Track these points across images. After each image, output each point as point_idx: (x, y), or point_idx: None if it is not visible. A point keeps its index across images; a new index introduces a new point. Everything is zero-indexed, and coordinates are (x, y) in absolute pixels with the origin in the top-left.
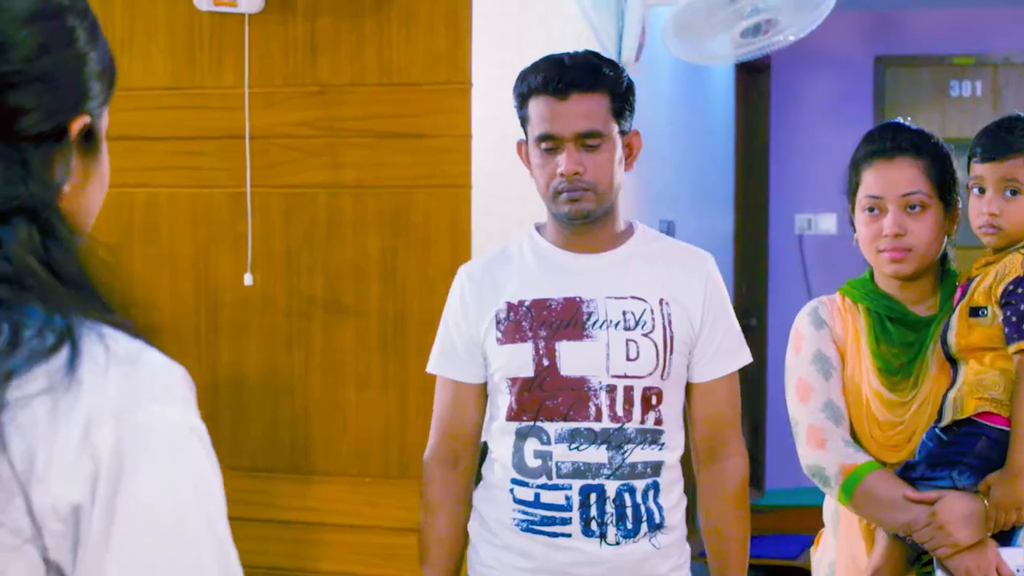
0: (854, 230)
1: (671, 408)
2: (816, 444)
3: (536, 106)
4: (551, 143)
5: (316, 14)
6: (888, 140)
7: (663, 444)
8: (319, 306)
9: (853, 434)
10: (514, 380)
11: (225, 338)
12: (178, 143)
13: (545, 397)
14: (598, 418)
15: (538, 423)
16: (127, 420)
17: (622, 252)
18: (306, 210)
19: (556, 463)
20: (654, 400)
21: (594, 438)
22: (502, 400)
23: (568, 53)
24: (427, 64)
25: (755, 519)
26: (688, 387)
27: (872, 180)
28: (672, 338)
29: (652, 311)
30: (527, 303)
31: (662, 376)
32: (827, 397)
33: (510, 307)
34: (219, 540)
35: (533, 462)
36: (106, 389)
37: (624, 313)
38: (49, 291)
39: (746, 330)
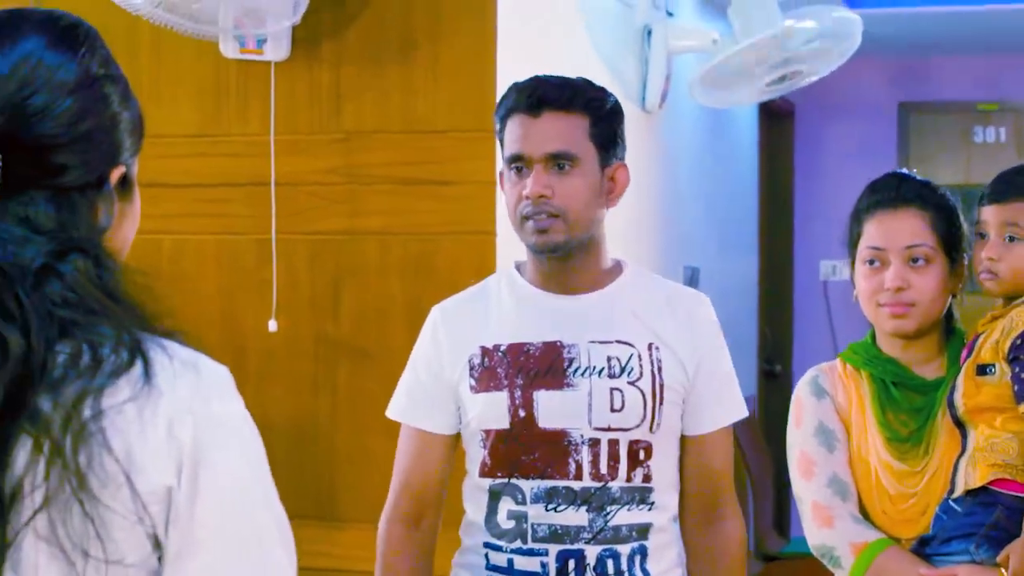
0: (854, 285)
1: (663, 464)
2: (823, 522)
3: (511, 126)
4: (520, 163)
5: (341, 62)
6: (892, 190)
7: (652, 504)
8: (344, 352)
9: (863, 510)
10: (488, 432)
11: (251, 384)
12: (204, 190)
13: (520, 452)
14: (578, 476)
15: (512, 480)
16: (200, 416)
17: (608, 293)
18: (331, 256)
19: (532, 525)
20: (642, 455)
21: (573, 498)
22: (475, 454)
23: (553, 75)
24: (452, 111)
25: (780, 567)
26: (681, 441)
27: (874, 231)
28: (662, 386)
29: (640, 357)
30: (503, 348)
31: (651, 428)
32: (832, 471)
33: (484, 352)
34: (272, 505)
35: (507, 524)
36: (178, 391)
37: (609, 359)
38: (112, 312)
39: (771, 376)
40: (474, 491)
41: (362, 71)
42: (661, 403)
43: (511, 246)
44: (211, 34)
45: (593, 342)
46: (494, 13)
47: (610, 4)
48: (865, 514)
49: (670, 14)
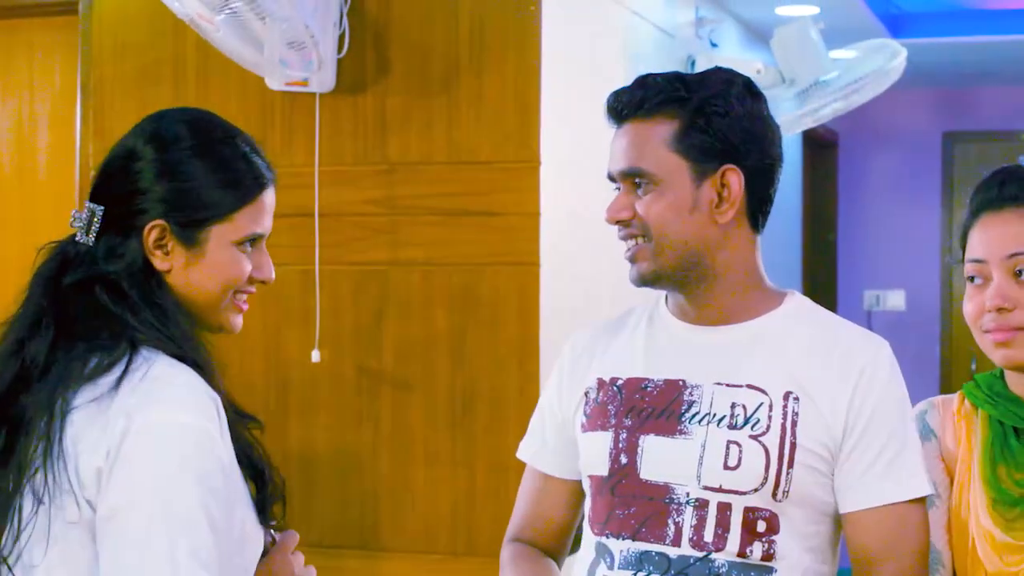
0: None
1: (792, 543)
2: None
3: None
4: (614, 183)
5: (386, 93)
6: (995, 188)
7: None
8: (388, 383)
9: None
10: (591, 479)
11: (294, 415)
12: None
13: (616, 505)
14: (676, 542)
15: (604, 539)
16: (136, 420)
17: (751, 327)
18: (375, 287)
19: None
20: (762, 527)
21: (667, 567)
22: (587, 504)
23: (657, 73)
24: (496, 142)
25: None
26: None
27: (976, 240)
28: (793, 445)
29: (771, 407)
30: (620, 382)
31: (775, 495)
32: None
33: (601, 385)
34: (170, 513)
35: None
36: (129, 397)
37: (733, 406)
38: (128, 331)
39: None
40: (585, 547)
41: (406, 102)
42: (791, 466)
43: (556, 277)
44: (258, 63)
45: (720, 384)
46: (538, 44)
47: (654, 35)
48: None
49: (714, 45)
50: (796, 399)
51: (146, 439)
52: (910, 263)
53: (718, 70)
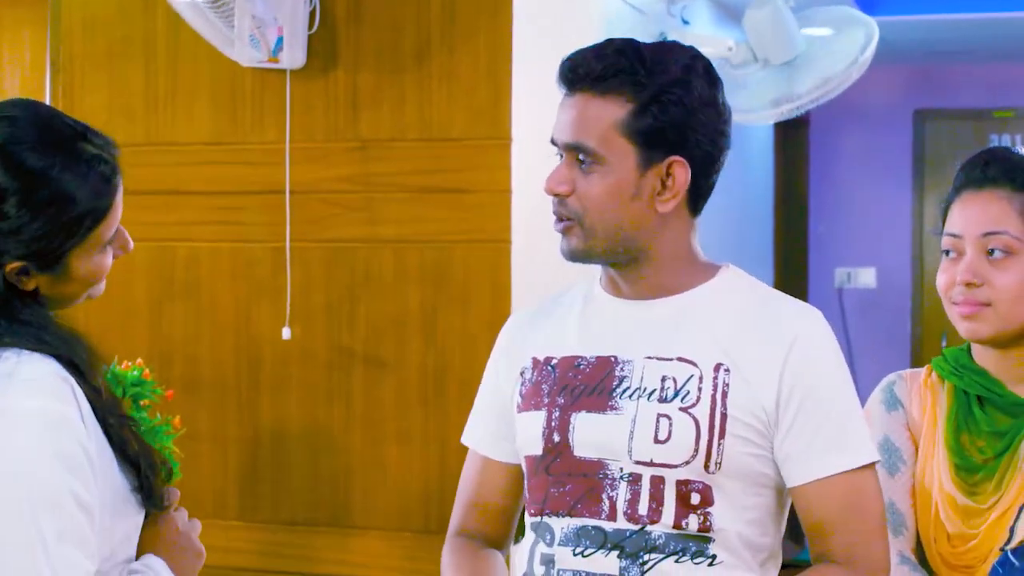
0: None
1: (732, 514)
2: None
3: None
4: (556, 149)
5: (357, 70)
6: (978, 168)
7: (714, 559)
8: (359, 360)
9: (919, 547)
10: (527, 459)
11: (265, 392)
12: (219, 198)
13: (551, 484)
14: (611, 516)
15: (544, 518)
16: None
17: (682, 300)
18: (346, 264)
19: (559, 571)
20: (696, 499)
21: (603, 541)
22: (525, 486)
23: (612, 40)
24: (467, 120)
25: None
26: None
27: (955, 216)
28: (724, 416)
29: (701, 378)
30: (555, 361)
31: (707, 467)
32: (888, 499)
33: (536, 365)
34: (13, 494)
35: (539, 569)
36: None
37: (663, 379)
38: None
39: None
40: (527, 530)
41: (378, 79)
42: (722, 437)
43: (527, 255)
44: (227, 39)
45: (650, 358)
46: (509, 21)
47: (626, 11)
48: (919, 553)
49: (686, 22)
50: (727, 370)
51: (1, 425)
52: (881, 241)
53: (678, 48)
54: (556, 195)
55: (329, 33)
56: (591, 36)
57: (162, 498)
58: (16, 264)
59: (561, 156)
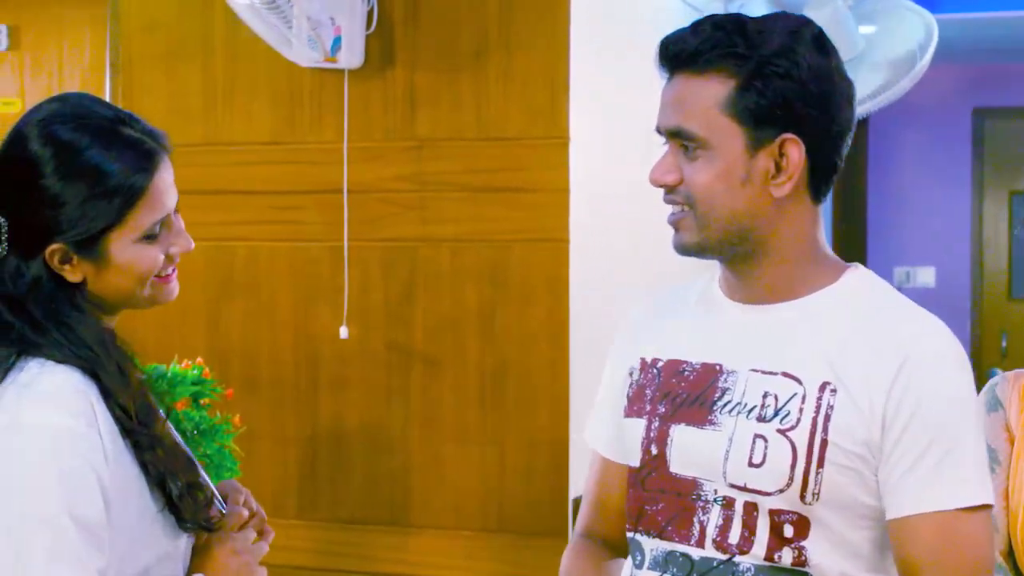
0: None
1: (832, 548)
2: None
3: None
4: (661, 138)
5: (415, 69)
6: None
7: None
8: (417, 359)
9: (1011, 555)
10: (628, 469)
11: (324, 391)
12: (277, 197)
13: (646, 499)
14: (700, 542)
15: (636, 535)
16: (11, 416)
17: (797, 307)
18: (404, 263)
19: None
20: (790, 531)
21: (689, 569)
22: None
23: (711, 15)
24: (525, 119)
25: None
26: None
27: None
28: (825, 443)
29: (804, 398)
30: (661, 363)
31: (803, 497)
32: None
33: (643, 365)
34: (25, 504)
35: None
36: (1, 399)
37: (765, 396)
38: (23, 344)
39: None
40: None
41: (435, 79)
42: (820, 465)
43: (584, 253)
44: (285, 40)
45: (755, 371)
46: (567, 20)
47: (684, 9)
48: (1012, 560)
49: None
50: (833, 390)
51: (5, 439)
52: (940, 240)
53: (783, 17)
54: (663, 185)
55: (387, 33)
56: (648, 34)
57: (203, 520)
58: (56, 246)
59: (666, 144)
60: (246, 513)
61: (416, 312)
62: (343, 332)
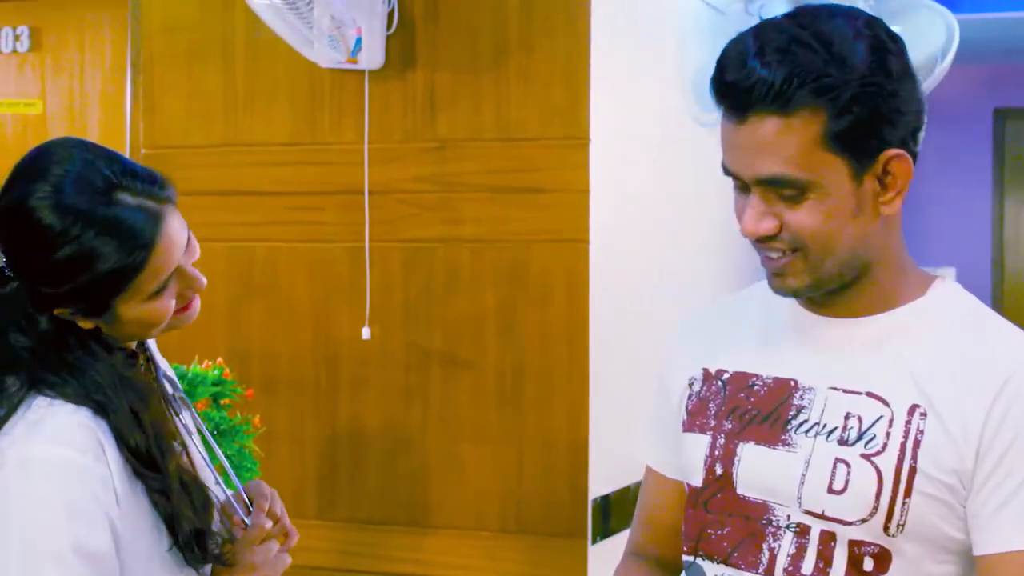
0: None
1: None
2: None
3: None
4: (736, 180)
5: (435, 70)
6: None
7: None
8: (437, 360)
9: None
10: (687, 487)
11: (343, 392)
12: (297, 198)
13: (709, 522)
14: (769, 570)
15: (697, 559)
16: (6, 454)
17: (885, 322)
18: (424, 264)
19: None
20: (869, 564)
21: None
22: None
23: (769, 29)
24: (545, 119)
25: None
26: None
27: None
28: (913, 471)
29: (891, 421)
30: (726, 375)
31: (886, 528)
32: None
33: (706, 376)
34: (32, 539)
35: None
36: (5, 437)
37: (847, 417)
38: (32, 378)
39: None
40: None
41: (456, 79)
42: (908, 495)
43: (605, 254)
44: (306, 40)
45: (835, 389)
46: (587, 20)
47: (704, 10)
48: None
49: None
50: (923, 414)
51: (13, 474)
52: (961, 241)
53: (842, 16)
54: (761, 237)
55: (407, 33)
56: (669, 35)
57: (214, 557)
58: (64, 310)
59: (741, 189)
60: (269, 524)
61: (435, 313)
62: (365, 333)
